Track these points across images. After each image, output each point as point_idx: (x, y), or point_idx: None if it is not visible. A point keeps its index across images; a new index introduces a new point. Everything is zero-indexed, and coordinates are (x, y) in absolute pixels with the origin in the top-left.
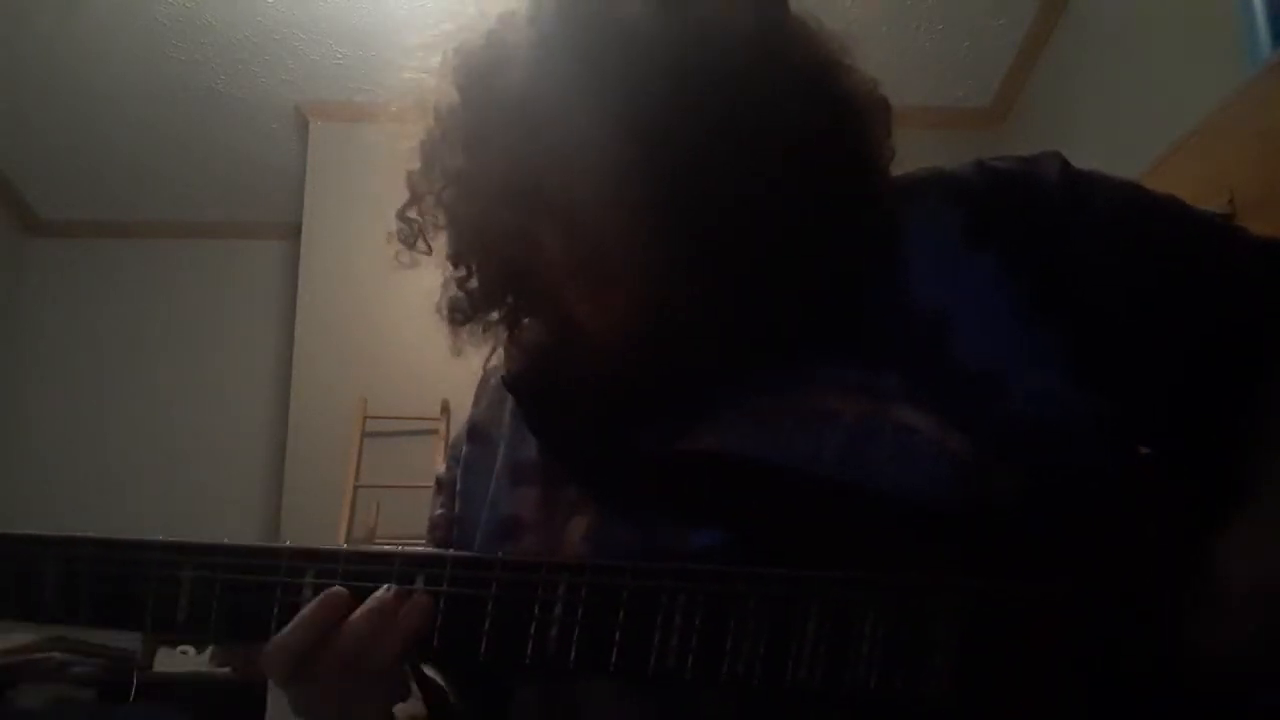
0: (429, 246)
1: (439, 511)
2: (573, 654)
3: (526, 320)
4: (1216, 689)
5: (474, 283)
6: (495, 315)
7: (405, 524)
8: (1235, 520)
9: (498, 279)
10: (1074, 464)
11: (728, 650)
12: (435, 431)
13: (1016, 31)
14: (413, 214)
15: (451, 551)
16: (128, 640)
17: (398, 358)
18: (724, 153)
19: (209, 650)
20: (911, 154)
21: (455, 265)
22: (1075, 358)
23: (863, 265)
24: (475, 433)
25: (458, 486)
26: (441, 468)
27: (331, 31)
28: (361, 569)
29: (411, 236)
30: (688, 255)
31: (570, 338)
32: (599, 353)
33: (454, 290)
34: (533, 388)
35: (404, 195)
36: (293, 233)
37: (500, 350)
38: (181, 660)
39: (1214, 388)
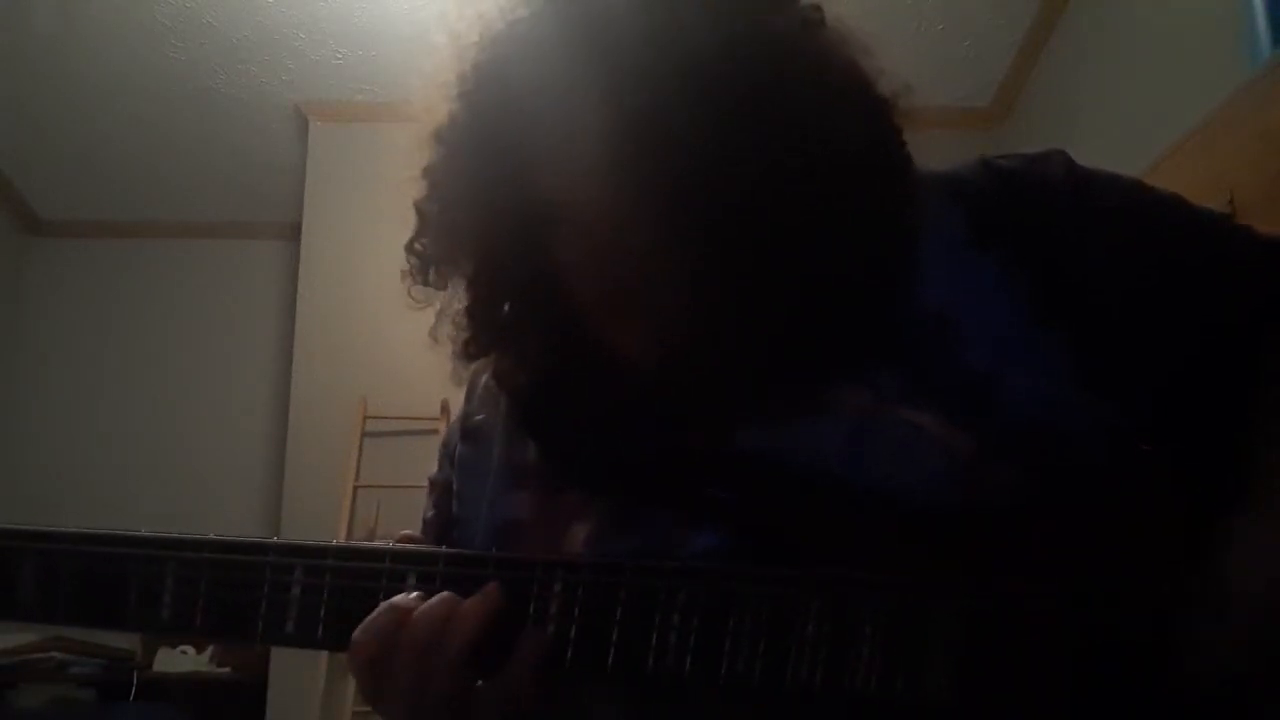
0: (445, 280)
1: (430, 514)
2: (569, 654)
3: (527, 329)
4: (1216, 690)
5: (486, 310)
6: (503, 338)
7: (405, 524)
8: (1235, 520)
9: (514, 303)
10: (1075, 463)
11: (727, 650)
12: (435, 431)
13: (1016, 31)
14: (420, 245)
15: (444, 549)
16: (127, 640)
17: (398, 358)
18: (766, 169)
19: (209, 650)
20: (912, 154)
21: (470, 293)
22: (1078, 357)
23: (883, 269)
24: (469, 433)
25: (455, 487)
26: (433, 467)
27: (331, 31)
28: (351, 566)
29: (424, 269)
30: (734, 277)
31: (586, 352)
32: (623, 368)
33: (463, 322)
34: (534, 393)
35: (406, 203)
36: (293, 233)
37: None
38: (181, 660)
39: (1216, 387)
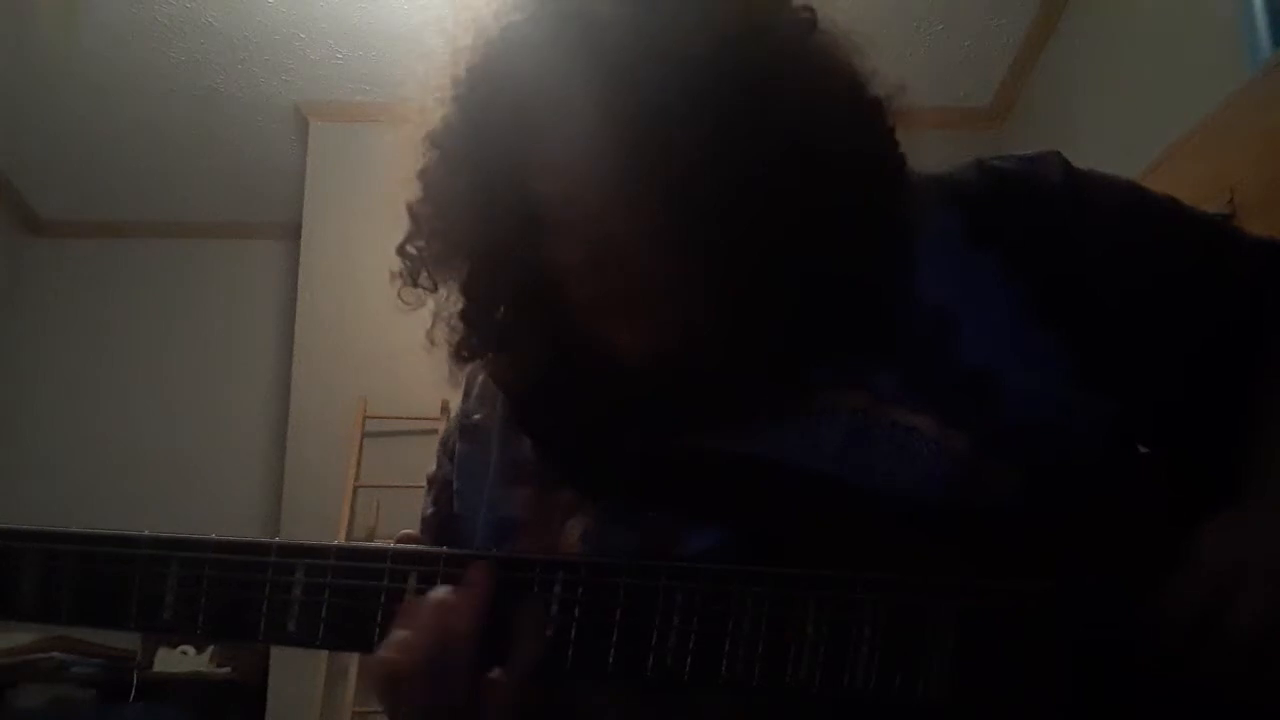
0: (434, 283)
1: (430, 510)
2: (570, 654)
3: (523, 331)
4: (1214, 690)
5: (481, 313)
6: (499, 341)
7: (406, 524)
8: (1233, 520)
9: (510, 306)
10: (1072, 463)
11: (726, 650)
12: (435, 431)
13: (1016, 31)
14: (413, 248)
15: (445, 549)
16: (128, 640)
17: (398, 358)
18: (759, 172)
19: (209, 650)
20: (911, 154)
21: (465, 296)
22: (1075, 358)
23: (879, 270)
24: (467, 430)
25: (455, 485)
26: (432, 465)
27: (331, 31)
28: (353, 565)
29: (415, 272)
30: (729, 278)
31: (583, 353)
32: (619, 368)
33: (458, 325)
34: (531, 393)
35: (403, 210)
36: (293, 233)
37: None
38: (181, 660)
39: (1212, 387)
